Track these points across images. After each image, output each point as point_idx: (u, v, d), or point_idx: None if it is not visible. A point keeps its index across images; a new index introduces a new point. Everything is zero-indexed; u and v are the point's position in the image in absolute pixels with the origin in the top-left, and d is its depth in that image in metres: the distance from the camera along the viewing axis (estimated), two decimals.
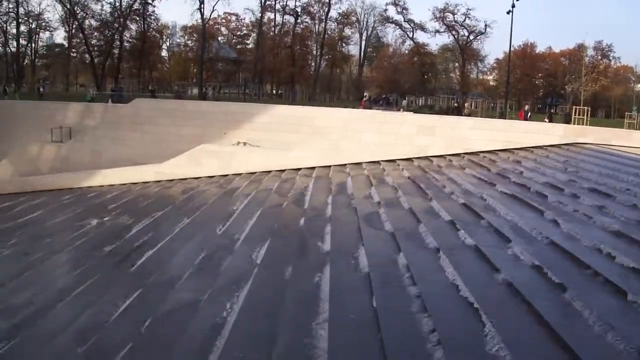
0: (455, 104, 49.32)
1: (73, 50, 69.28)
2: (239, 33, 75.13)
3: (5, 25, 63.40)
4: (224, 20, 72.45)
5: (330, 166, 17.95)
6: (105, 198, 17.52)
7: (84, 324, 6.27)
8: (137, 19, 64.91)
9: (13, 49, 64.87)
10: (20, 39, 64.46)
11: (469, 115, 35.36)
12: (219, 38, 72.88)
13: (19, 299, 7.75)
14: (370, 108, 36.87)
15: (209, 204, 14.01)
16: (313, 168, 17.99)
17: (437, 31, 70.58)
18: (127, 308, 6.62)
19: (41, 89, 46.68)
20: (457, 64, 76.62)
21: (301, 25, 69.87)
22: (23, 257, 10.54)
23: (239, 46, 74.85)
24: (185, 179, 19.50)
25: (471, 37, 70.67)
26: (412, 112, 29.85)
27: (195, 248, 9.14)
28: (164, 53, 79.12)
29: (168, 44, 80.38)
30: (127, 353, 5.25)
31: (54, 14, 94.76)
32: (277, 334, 5.08)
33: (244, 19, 73.06)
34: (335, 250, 7.88)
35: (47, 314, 6.90)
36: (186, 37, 73.98)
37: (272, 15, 69.86)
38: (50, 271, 9.61)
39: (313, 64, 72.76)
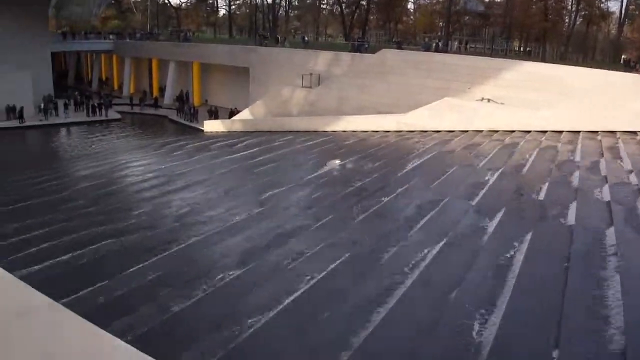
0: None
1: (323, 2, 73.67)
2: None
3: None
4: None
5: (579, 132, 16.67)
6: (347, 142, 18.73)
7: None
8: None
9: (269, 1, 71.55)
10: None
11: None
12: None
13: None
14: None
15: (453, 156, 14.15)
16: (560, 132, 16.91)
17: None
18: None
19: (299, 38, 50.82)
20: None
21: None
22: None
23: None
24: (426, 131, 19.86)
25: None
26: None
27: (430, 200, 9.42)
28: (410, 6, 79.72)
29: None
30: None
31: None
32: None
33: None
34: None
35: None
36: None
37: None
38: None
39: (567, 20, 66.58)
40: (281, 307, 5.24)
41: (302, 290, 5.63)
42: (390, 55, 27.08)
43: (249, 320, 4.94)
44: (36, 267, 6.74)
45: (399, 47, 32.69)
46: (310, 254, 6.82)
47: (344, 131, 22.01)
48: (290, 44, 43.89)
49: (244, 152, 17.31)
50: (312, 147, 18.08)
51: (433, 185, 10.71)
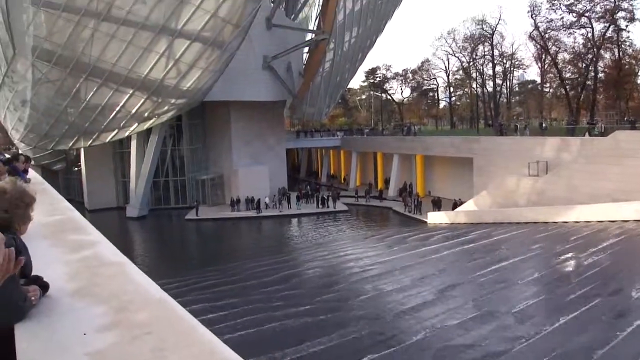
0: None
1: (546, 85, 71.79)
2: None
3: (482, 67, 71.32)
4: None
5: None
6: (580, 234, 17.49)
7: None
8: (611, 47, 62.50)
9: (489, 89, 71.99)
10: (496, 79, 70.97)
11: None
12: None
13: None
14: None
15: None
16: None
17: None
18: None
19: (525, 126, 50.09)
20: None
21: None
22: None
23: None
24: None
25: None
26: None
27: None
28: None
29: None
30: None
31: (526, 52, 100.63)
32: None
33: None
34: None
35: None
36: None
37: None
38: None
39: None
40: None
41: None
42: (624, 137, 24.96)
43: None
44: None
45: (633, 127, 29.89)
46: None
47: (576, 222, 20.62)
48: (512, 130, 43.04)
49: (468, 246, 17.27)
50: (540, 240, 17.30)
51: None
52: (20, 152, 35.27)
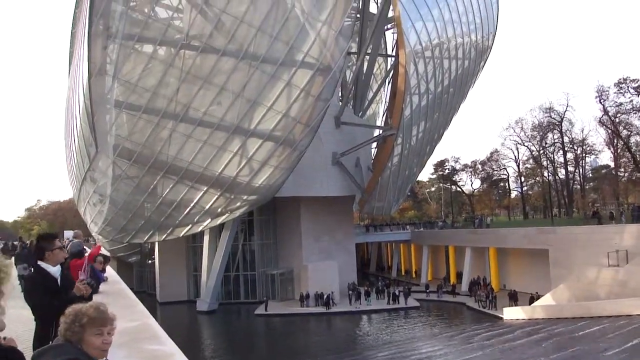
0: None
1: (620, 169, 70.01)
2: None
3: (552, 155, 70.67)
4: None
5: None
6: None
7: None
8: None
9: (562, 176, 70.83)
10: (568, 166, 69.93)
11: None
12: None
13: None
14: None
15: None
16: None
17: None
18: None
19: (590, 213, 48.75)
20: None
21: None
22: None
23: None
24: None
25: None
26: None
27: None
28: None
29: None
30: None
31: (597, 137, 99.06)
32: None
33: None
34: None
35: None
36: None
37: None
38: None
39: None
40: None
41: None
42: None
43: None
44: None
45: None
46: None
47: None
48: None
49: (547, 343, 16.86)
50: (625, 337, 16.72)
51: None
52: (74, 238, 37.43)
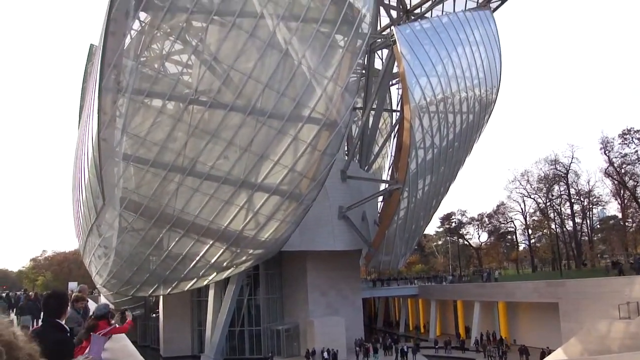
0: None
1: (628, 220, 69.81)
2: None
3: (559, 207, 70.70)
4: None
5: None
6: None
7: None
8: None
9: (569, 228, 70.61)
10: (575, 218, 69.81)
11: None
12: None
13: None
14: None
15: None
16: None
17: None
18: None
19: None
20: None
21: None
22: None
23: None
24: None
25: None
26: None
27: None
28: None
29: None
30: None
31: (603, 188, 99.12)
32: None
33: None
34: None
35: None
36: None
37: None
38: None
39: None
40: None
41: None
42: None
43: None
44: None
45: None
46: None
47: None
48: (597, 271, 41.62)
49: None
50: None
51: None
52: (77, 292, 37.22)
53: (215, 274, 41.89)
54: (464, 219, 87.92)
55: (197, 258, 40.00)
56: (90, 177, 39.01)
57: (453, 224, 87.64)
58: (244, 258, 41.27)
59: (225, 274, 42.44)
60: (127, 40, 37.00)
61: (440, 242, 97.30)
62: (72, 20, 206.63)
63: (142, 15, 38.07)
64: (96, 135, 36.38)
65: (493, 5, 53.20)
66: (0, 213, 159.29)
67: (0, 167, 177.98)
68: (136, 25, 37.88)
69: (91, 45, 55.34)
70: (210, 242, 39.14)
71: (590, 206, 71.48)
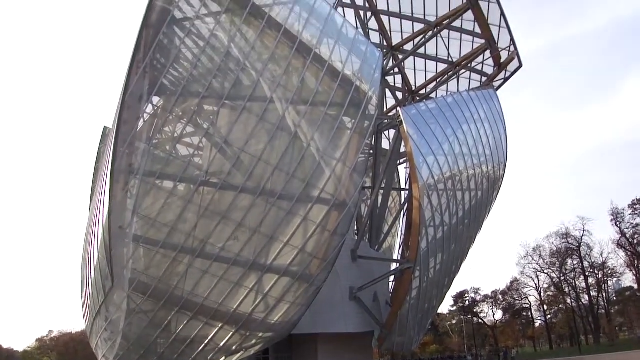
0: None
1: None
2: None
3: (573, 281, 69.66)
4: None
5: None
6: None
7: None
8: None
9: (585, 302, 69.25)
10: (591, 291, 68.57)
11: None
12: None
13: None
14: None
15: None
16: None
17: None
18: None
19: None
20: None
21: None
22: None
23: None
24: None
25: None
26: None
27: None
28: None
29: None
30: None
31: (617, 259, 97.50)
32: None
33: None
34: None
35: None
36: None
37: None
38: None
39: None
40: None
41: None
42: None
43: None
44: None
45: None
46: None
47: None
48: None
49: None
50: None
51: None
52: None
53: (223, 358, 40.72)
54: (478, 297, 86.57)
55: (206, 341, 38.96)
56: (100, 258, 38.78)
57: (467, 302, 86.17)
58: (253, 341, 40.27)
59: (234, 359, 41.33)
60: (140, 123, 37.93)
61: (454, 321, 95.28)
62: (84, 102, 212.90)
63: (155, 99, 39.12)
64: (107, 216, 36.56)
65: (496, 84, 54.44)
66: (6, 290, 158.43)
67: (9, 244, 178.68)
68: (149, 109, 38.76)
69: (105, 127, 56.60)
70: (219, 325, 38.31)
71: (605, 278, 70.44)
